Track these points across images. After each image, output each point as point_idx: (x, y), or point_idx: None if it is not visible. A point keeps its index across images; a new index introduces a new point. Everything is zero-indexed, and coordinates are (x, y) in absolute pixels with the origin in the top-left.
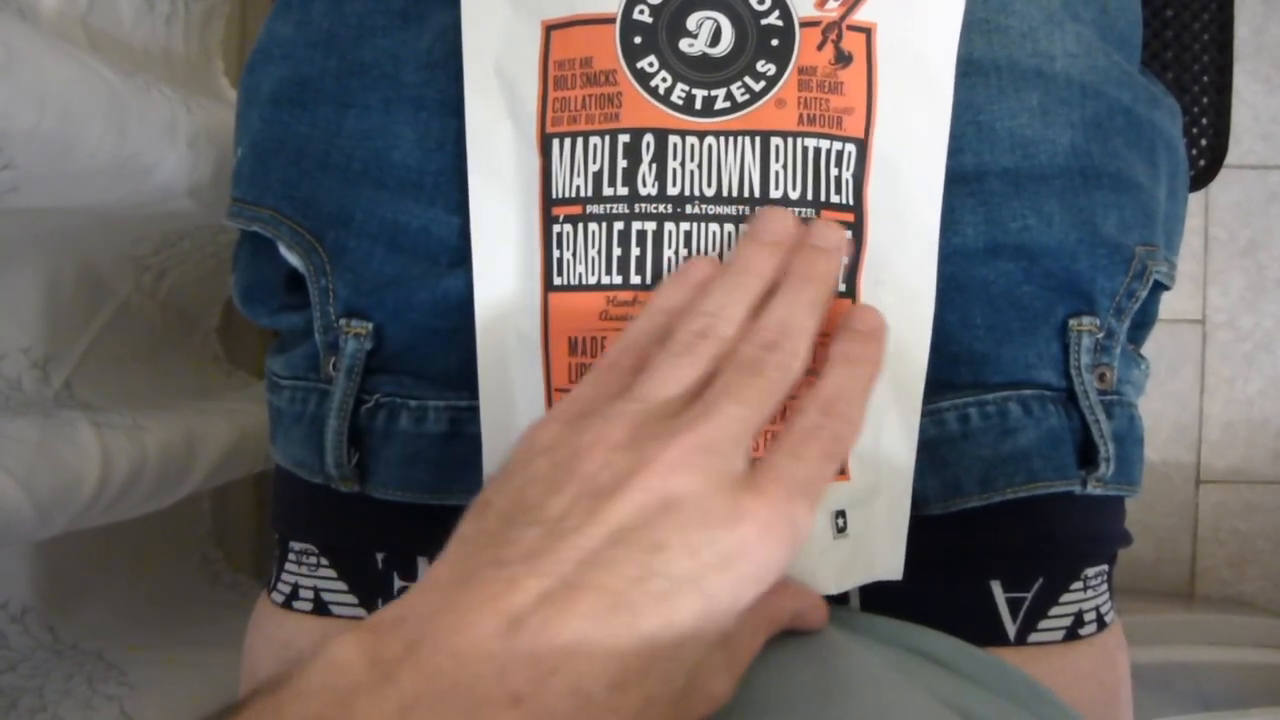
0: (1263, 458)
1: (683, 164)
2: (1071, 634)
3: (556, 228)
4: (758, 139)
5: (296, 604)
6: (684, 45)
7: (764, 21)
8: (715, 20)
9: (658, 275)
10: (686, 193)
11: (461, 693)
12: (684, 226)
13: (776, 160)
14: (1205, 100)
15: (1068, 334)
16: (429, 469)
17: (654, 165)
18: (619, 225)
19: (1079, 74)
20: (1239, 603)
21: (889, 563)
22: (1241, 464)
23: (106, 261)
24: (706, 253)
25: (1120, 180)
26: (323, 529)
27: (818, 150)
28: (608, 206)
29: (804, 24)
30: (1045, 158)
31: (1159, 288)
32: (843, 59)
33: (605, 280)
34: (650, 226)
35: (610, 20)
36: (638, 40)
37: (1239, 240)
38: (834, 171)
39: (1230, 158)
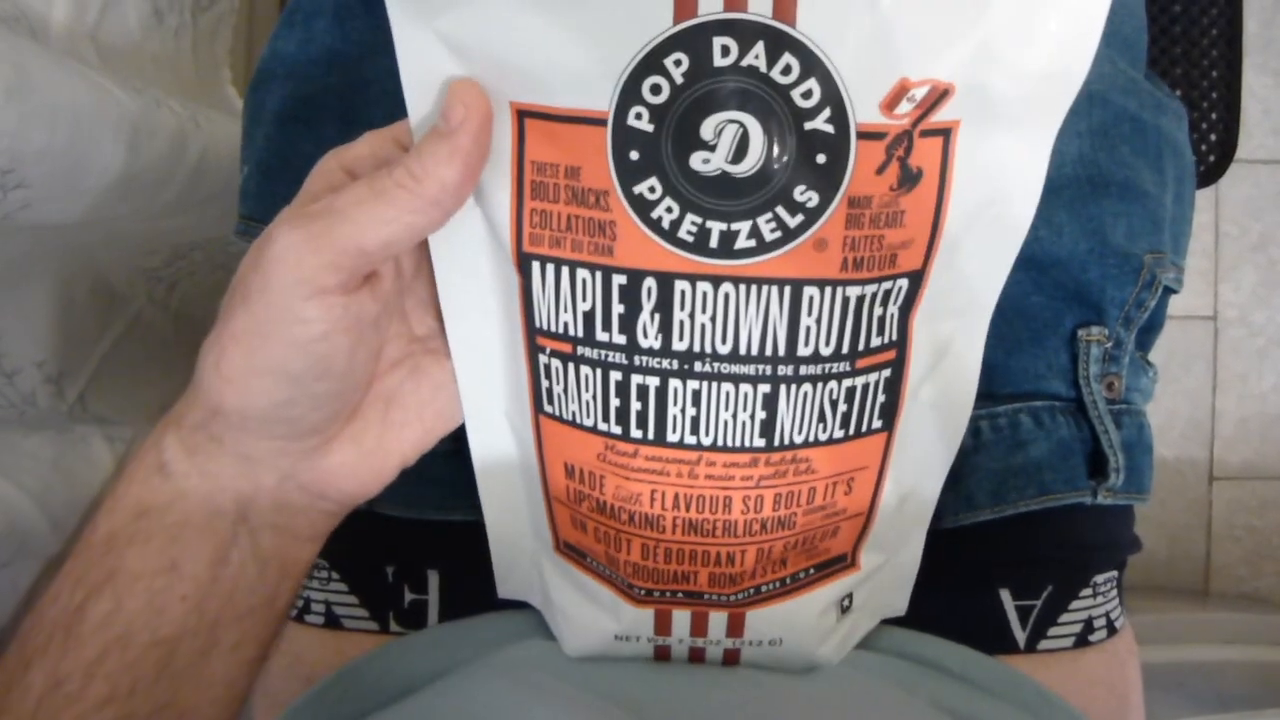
0: (1277, 453)
1: (691, 315)
2: (1081, 640)
3: (543, 358)
4: (787, 289)
5: (309, 618)
6: (696, 162)
7: (808, 126)
8: (740, 124)
9: (661, 432)
10: (696, 349)
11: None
12: (692, 385)
13: (809, 314)
14: (1214, 95)
15: (1076, 344)
16: (433, 486)
17: (656, 315)
18: (616, 375)
19: (1085, 82)
20: (1254, 599)
21: (894, 606)
22: (1255, 460)
23: (118, 274)
24: (719, 414)
25: (1128, 188)
26: (333, 544)
27: (860, 298)
28: (602, 353)
29: (862, 134)
30: (1054, 168)
31: (1168, 292)
32: (909, 180)
33: (603, 427)
34: (653, 382)
35: (600, 121)
36: (634, 156)
37: (1250, 235)
38: (878, 312)
39: (1240, 153)
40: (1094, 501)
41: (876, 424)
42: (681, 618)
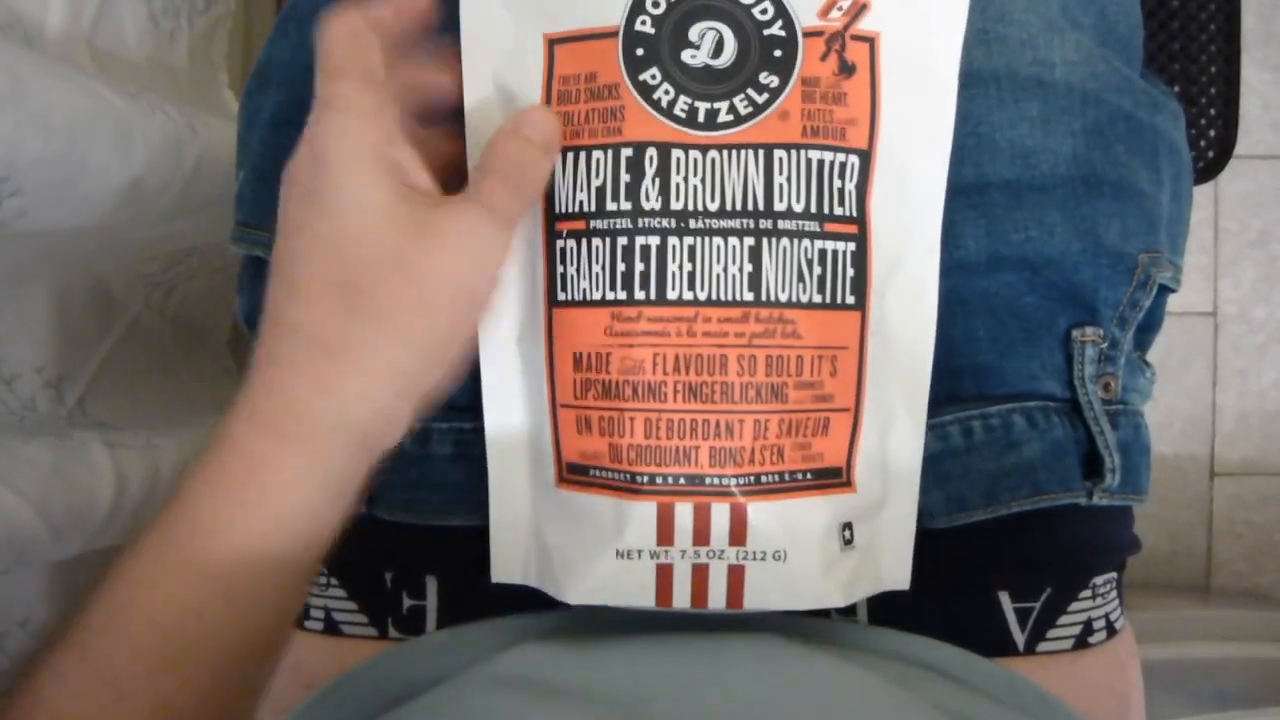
0: (1277, 450)
1: (685, 179)
2: (1081, 642)
3: (560, 243)
4: (761, 152)
5: (308, 624)
6: (686, 57)
7: (766, 32)
8: (718, 31)
9: (662, 290)
10: (690, 207)
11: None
12: (688, 241)
13: (780, 173)
14: (1213, 91)
15: (1071, 344)
16: (434, 491)
17: (657, 180)
18: (623, 240)
19: (1079, 81)
20: (1255, 596)
21: (896, 573)
22: (1256, 456)
23: (116, 279)
24: (711, 268)
25: (1122, 188)
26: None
27: (821, 162)
28: (611, 221)
29: (807, 34)
30: (1047, 168)
31: (1165, 291)
32: (846, 69)
33: (610, 295)
34: (654, 241)
35: (613, 34)
36: (640, 52)
37: (1250, 231)
38: (837, 184)
39: (1239, 148)
40: (1089, 502)
41: (850, 299)
42: (684, 514)
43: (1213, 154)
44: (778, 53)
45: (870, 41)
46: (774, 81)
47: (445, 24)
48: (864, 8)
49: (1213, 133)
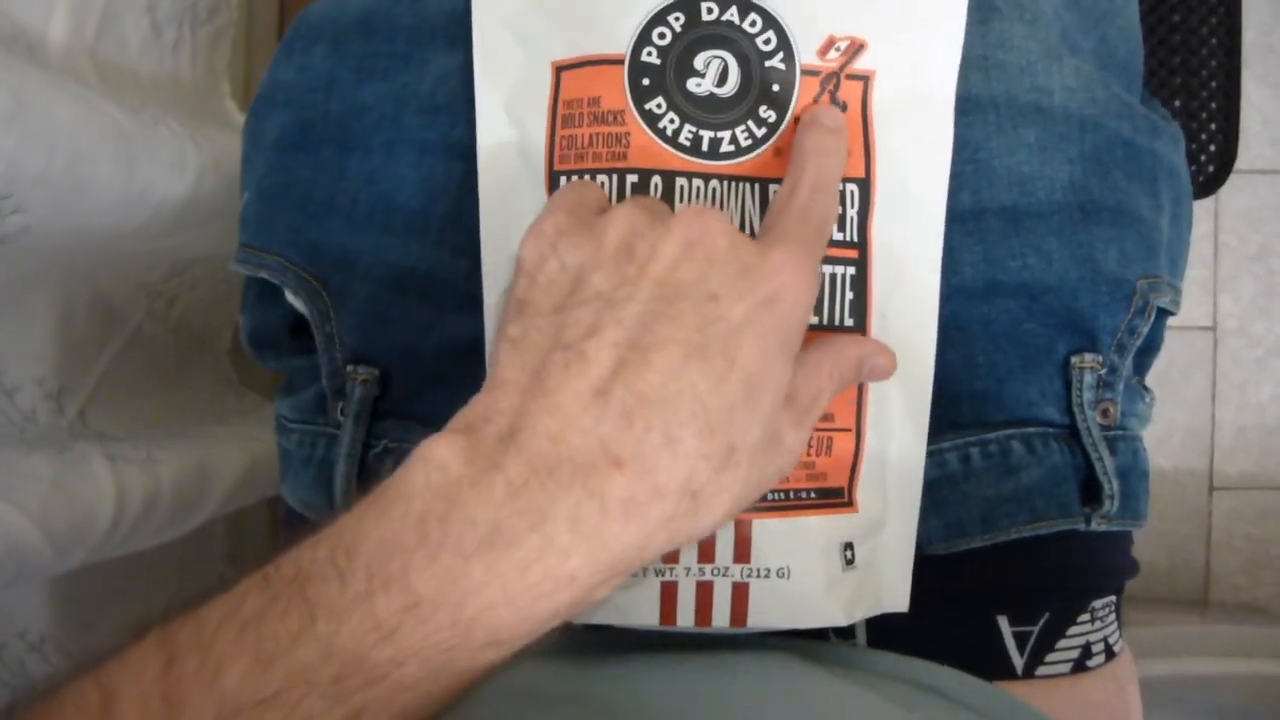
0: (1276, 463)
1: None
2: (1079, 665)
3: None
4: (757, 186)
5: None
6: (692, 85)
7: (768, 64)
8: (723, 59)
9: None
10: None
11: (566, 469)
12: None
13: None
14: (1213, 105)
15: (1069, 371)
16: None
17: None
18: None
19: (1077, 108)
20: (1254, 610)
21: (895, 595)
22: (1255, 470)
23: (118, 290)
24: None
25: (1121, 213)
26: None
27: None
28: None
29: (805, 72)
30: (1044, 194)
31: (1164, 314)
32: (838, 108)
33: None
34: None
35: (619, 61)
36: (646, 82)
37: (1249, 246)
38: (838, 210)
39: (1239, 163)
40: (1088, 528)
41: (849, 321)
42: None
43: (1213, 169)
44: (776, 88)
45: (864, 80)
46: (771, 117)
47: (458, 46)
48: (861, 47)
49: (1213, 147)
